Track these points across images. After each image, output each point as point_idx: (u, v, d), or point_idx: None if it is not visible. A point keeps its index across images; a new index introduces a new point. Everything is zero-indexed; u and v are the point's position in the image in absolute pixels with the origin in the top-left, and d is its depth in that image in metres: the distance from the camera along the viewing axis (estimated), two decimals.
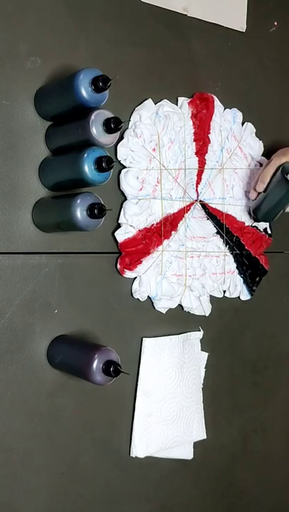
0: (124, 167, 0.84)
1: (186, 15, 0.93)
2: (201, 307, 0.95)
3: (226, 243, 0.98)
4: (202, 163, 0.94)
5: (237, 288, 1.01)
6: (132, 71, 0.87)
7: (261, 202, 0.95)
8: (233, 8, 1.00)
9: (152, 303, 0.90)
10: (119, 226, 0.85)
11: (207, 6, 0.96)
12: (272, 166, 0.92)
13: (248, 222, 1.01)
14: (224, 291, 1.00)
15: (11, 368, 0.75)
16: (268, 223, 1.04)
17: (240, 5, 1.01)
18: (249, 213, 1.00)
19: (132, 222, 0.84)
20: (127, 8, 0.86)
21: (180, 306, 0.93)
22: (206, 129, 0.94)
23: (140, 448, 0.88)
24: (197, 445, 0.97)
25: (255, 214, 0.97)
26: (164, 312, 0.91)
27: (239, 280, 1.01)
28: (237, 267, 1.00)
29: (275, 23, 1.08)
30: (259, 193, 0.96)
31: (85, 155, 0.67)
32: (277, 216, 0.97)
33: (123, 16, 0.86)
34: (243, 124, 1.00)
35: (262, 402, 1.11)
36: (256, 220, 1.00)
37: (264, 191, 0.94)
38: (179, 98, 0.92)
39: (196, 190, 0.94)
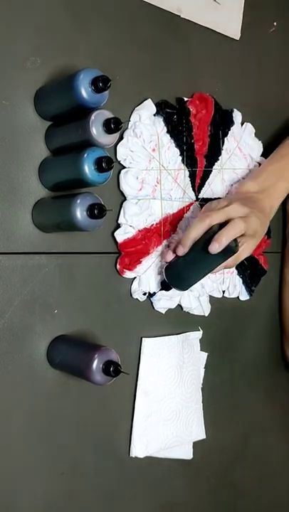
0: (124, 167, 0.85)
1: (179, 16, 0.93)
2: (201, 307, 0.95)
3: None
4: (202, 164, 0.95)
5: (236, 288, 1.01)
6: (132, 71, 0.87)
7: (177, 268, 0.82)
8: (228, 15, 0.96)
9: (152, 303, 0.90)
10: (119, 226, 0.85)
11: (200, 10, 0.94)
12: (195, 229, 0.80)
13: None
14: (223, 292, 1.00)
15: (11, 368, 0.75)
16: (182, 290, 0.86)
17: (236, 12, 1.00)
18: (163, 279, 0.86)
19: (131, 222, 0.84)
20: (127, 8, 0.86)
21: (179, 306, 0.93)
22: (205, 130, 0.94)
23: (140, 448, 0.88)
24: (197, 445, 0.97)
25: (172, 281, 0.83)
26: (164, 312, 0.91)
27: (238, 280, 1.01)
28: (236, 267, 1.00)
29: (275, 23, 1.08)
30: (176, 256, 0.83)
31: (85, 155, 0.67)
32: (195, 283, 0.84)
33: (123, 16, 0.86)
34: (242, 124, 1.01)
35: (262, 402, 1.11)
36: (169, 285, 0.85)
37: (183, 256, 0.81)
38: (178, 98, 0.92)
39: (196, 190, 0.94)
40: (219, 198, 0.96)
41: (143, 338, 0.89)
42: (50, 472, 0.80)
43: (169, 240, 0.89)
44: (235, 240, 0.79)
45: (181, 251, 0.81)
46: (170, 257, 0.83)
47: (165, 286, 0.87)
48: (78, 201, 0.68)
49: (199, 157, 0.94)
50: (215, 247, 0.76)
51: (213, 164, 0.96)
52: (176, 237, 0.89)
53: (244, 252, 0.85)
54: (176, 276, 0.83)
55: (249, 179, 0.93)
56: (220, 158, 0.97)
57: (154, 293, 0.88)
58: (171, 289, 0.86)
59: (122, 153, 0.84)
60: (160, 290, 0.88)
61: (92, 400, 0.83)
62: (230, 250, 0.78)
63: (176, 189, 0.91)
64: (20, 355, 0.75)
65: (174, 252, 0.82)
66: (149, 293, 0.88)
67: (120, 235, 0.84)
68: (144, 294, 0.88)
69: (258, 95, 1.05)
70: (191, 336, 0.95)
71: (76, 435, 0.82)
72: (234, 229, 0.79)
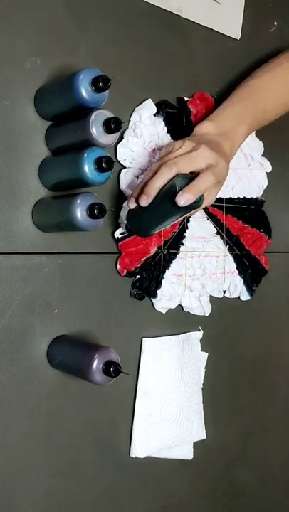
0: (124, 167, 0.84)
1: (180, 15, 0.92)
2: (201, 307, 0.95)
3: (226, 243, 0.98)
4: None
5: (237, 288, 1.00)
6: (132, 71, 0.87)
7: (140, 214, 0.78)
8: (229, 15, 0.96)
9: (152, 303, 0.90)
10: (119, 226, 0.85)
11: (201, 10, 0.95)
12: (161, 179, 0.75)
13: (247, 222, 1.01)
14: (224, 292, 1.00)
15: (11, 368, 0.75)
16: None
17: (236, 12, 1.00)
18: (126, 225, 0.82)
19: None
20: (127, 8, 0.86)
21: (180, 306, 0.93)
22: None
23: (140, 448, 0.88)
24: (197, 445, 0.97)
25: (133, 226, 0.79)
26: (164, 312, 0.91)
27: (239, 280, 1.01)
28: (237, 267, 1.00)
29: (275, 23, 1.08)
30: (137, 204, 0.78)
31: (85, 155, 0.67)
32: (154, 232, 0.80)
33: (123, 16, 0.86)
34: None
35: (262, 402, 1.11)
36: (130, 231, 0.82)
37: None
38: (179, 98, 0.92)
39: None
40: (220, 199, 0.96)
41: (143, 339, 0.89)
42: (50, 472, 0.80)
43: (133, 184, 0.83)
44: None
45: (145, 202, 0.75)
46: (133, 205, 0.77)
47: (128, 231, 0.83)
48: (78, 201, 0.68)
49: None
50: (182, 202, 0.73)
51: None
52: (140, 179, 0.83)
53: (208, 200, 0.79)
54: (138, 223, 0.79)
55: (207, 121, 0.86)
56: None
57: (155, 293, 0.88)
58: (133, 234, 0.83)
59: (122, 153, 0.84)
60: (125, 234, 0.84)
61: (92, 399, 0.83)
62: (194, 206, 0.75)
63: None
64: (20, 355, 0.75)
65: (137, 201, 0.77)
66: (150, 293, 0.88)
67: (120, 235, 0.84)
68: (145, 294, 0.88)
69: None
70: (191, 336, 0.95)
71: (76, 435, 0.82)
72: (203, 184, 0.75)
